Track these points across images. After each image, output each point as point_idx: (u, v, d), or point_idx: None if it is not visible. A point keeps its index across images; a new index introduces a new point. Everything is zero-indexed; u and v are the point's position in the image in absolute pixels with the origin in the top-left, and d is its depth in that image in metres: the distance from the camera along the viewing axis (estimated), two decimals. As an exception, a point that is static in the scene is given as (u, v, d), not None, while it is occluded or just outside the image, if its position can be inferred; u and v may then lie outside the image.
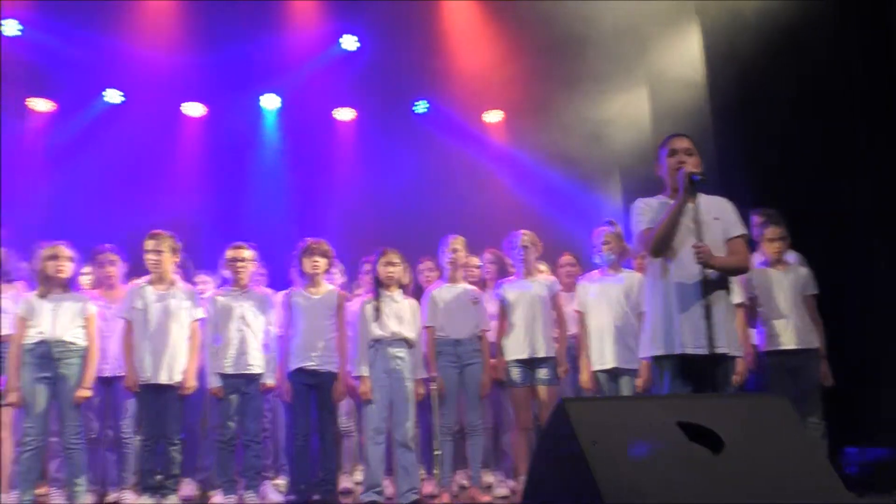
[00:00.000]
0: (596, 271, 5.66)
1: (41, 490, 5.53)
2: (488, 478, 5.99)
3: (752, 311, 5.42)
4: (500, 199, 8.88)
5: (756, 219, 5.56)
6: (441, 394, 5.46)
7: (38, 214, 8.39)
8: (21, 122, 9.20)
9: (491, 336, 5.81)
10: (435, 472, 5.21)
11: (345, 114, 9.52)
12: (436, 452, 5.09)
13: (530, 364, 5.58)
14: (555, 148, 8.63)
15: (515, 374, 5.59)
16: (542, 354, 5.55)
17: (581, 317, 5.58)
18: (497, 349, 5.74)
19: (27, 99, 9.15)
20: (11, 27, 8.45)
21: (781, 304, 5.36)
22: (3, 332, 5.17)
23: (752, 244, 5.07)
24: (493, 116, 9.60)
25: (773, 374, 5.30)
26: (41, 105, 9.27)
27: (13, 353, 4.99)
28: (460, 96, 9.15)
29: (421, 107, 9.52)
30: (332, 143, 9.44)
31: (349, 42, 8.99)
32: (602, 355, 5.42)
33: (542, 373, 5.56)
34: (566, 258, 6.47)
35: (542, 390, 5.56)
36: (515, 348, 5.61)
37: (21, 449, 4.98)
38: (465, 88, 9.05)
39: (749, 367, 5.30)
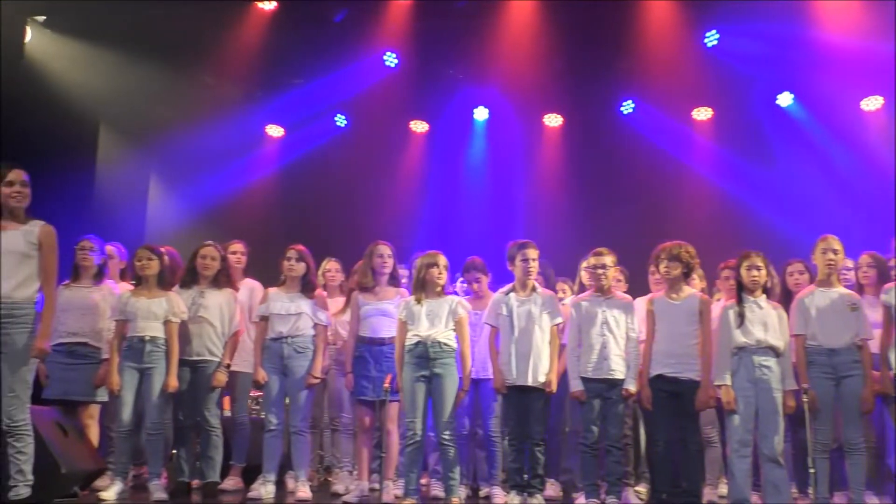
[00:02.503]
0: None
1: (423, 480, 6.05)
2: (872, 501, 5.42)
3: None
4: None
5: None
6: (814, 407, 5.04)
7: (417, 226, 9.26)
8: (404, 144, 10.26)
9: (874, 346, 5.25)
10: (809, 491, 4.82)
11: (703, 113, 9.30)
12: (810, 470, 4.71)
13: (925, 378, 4.95)
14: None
15: (906, 388, 5.00)
16: (938, 367, 4.90)
17: None
18: (882, 360, 5.19)
19: (410, 122, 10.18)
20: (392, 59, 9.43)
21: None
22: (387, 335, 5.72)
23: None
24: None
25: None
26: (419, 127, 10.25)
27: (397, 354, 5.50)
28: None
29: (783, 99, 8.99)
30: (689, 144, 9.24)
31: (711, 38, 8.73)
32: None
33: (940, 389, 4.91)
34: (965, 258, 5.67)
35: (940, 409, 4.91)
36: (906, 360, 5.02)
37: (405, 441, 5.48)
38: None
39: None
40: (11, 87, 7.74)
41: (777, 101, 9.02)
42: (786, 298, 5.54)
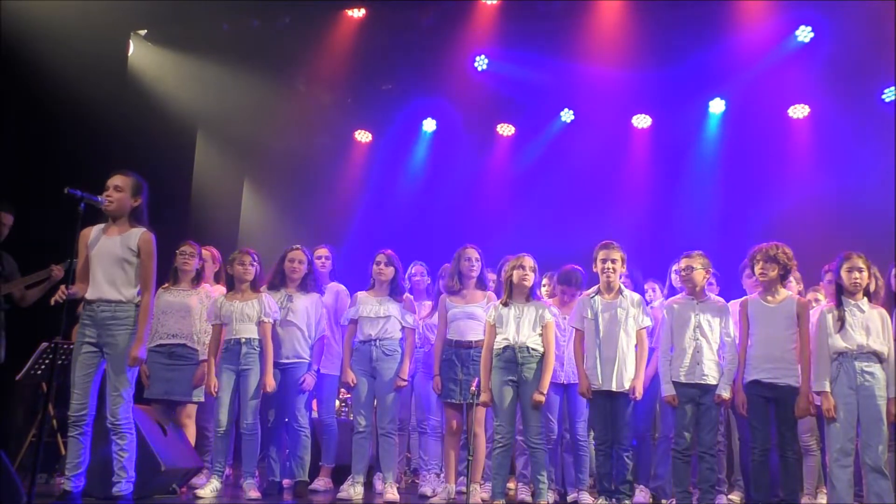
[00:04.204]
0: None
1: (510, 484, 6.03)
2: None
3: None
4: None
5: None
6: (920, 415, 4.81)
7: (505, 230, 9.25)
8: (491, 147, 10.28)
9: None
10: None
11: (799, 111, 9.01)
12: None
13: None
14: None
15: None
16: None
17: None
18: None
19: (497, 125, 10.19)
20: (481, 62, 9.44)
21: None
22: (474, 338, 5.71)
23: None
24: None
25: None
26: (506, 130, 10.25)
27: (484, 357, 5.50)
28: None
29: (891, 94, 8.58)
30: (785, 143, 8.94)
31: (804, 33, 8.43)
32: None
33: None
34: None
35: None
36: None
37: (492, 445, 5.46)
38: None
39: None
40: (116, 98, 8.08)
41: (883, 97, 8.64)
42: (891, 302, 5.30)
